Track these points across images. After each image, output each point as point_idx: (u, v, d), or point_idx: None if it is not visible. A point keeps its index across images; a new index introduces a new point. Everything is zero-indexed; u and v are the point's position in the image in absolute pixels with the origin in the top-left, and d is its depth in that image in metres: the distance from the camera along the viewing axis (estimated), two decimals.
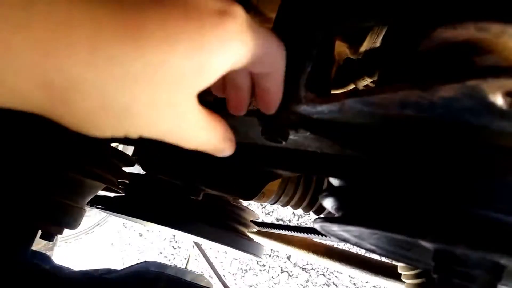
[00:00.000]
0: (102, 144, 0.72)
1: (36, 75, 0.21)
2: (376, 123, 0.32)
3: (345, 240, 0.38)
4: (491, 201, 0.24)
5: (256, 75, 0.32)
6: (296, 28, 0.34)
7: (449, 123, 0.27)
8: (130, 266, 0.81)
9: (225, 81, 0.33)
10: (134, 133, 0.26)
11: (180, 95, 0.25)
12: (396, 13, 0.28)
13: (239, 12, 0.26)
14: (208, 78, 0.25)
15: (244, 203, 1.00)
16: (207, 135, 0.30)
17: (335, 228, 0.36)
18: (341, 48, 0.48)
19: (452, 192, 0.25)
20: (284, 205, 0.82)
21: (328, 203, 0.33)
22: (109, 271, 0.80)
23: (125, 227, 2.95)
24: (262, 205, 2.25)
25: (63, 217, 0.66)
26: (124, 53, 0.22)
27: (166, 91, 0.24)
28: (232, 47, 0.25)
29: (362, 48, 0.54)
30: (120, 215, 0.88)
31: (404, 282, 0.76)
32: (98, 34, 0.21)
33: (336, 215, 0.35)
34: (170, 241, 2.76)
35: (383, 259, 1.14)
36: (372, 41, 0.54)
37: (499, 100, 0.21)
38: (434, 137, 0.29)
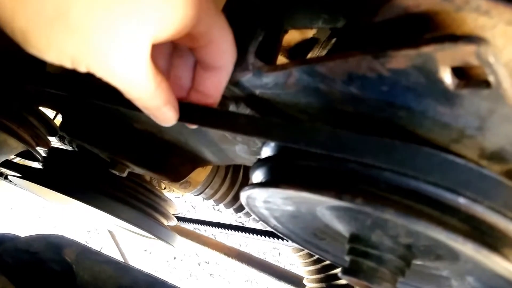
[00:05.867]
0: (25, 102, 0.63)
1: None
2: (314, 108, 0.30)
3: (265, 221, 0.35)
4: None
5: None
6: None
7: (386, 110, 0.25)
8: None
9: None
10: (81, 59, 0.23)
11: (138, 33, 0.23)
12: None
13: None
14: (171, 27, 0.24)
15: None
16: (152, 90, 0.26)
17: (258, 204, 0.33)
18: (291, 35, 0.46)
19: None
20: (208, 198, 0.77)
21: (257, 174, 0.30)
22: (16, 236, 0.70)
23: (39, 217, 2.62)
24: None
25: None
26: None
27: (124, 20, 0.22)
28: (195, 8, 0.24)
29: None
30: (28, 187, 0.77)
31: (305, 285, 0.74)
32: None
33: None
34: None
35: (287, 267, 1.13)
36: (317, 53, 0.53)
37: (447, 77, 0.20)
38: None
